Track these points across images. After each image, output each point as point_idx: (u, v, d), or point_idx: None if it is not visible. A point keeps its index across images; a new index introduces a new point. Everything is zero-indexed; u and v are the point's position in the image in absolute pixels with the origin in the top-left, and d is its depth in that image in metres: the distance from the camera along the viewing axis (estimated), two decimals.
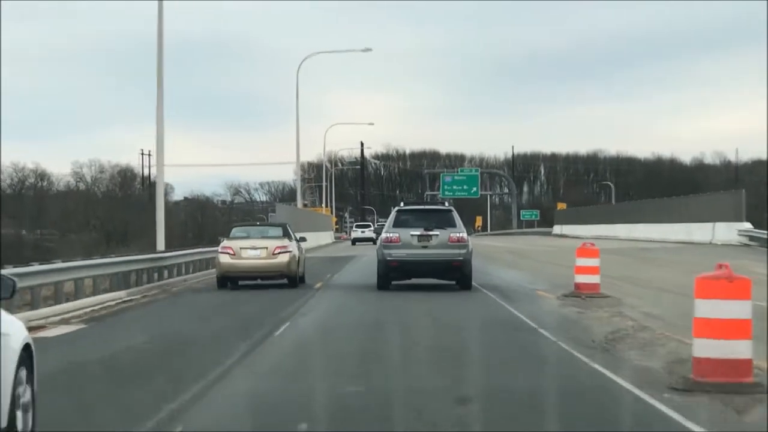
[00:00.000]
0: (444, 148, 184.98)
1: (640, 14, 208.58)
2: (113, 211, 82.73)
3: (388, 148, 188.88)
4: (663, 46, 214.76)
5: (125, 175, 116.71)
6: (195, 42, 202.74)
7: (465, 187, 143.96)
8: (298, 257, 29.45)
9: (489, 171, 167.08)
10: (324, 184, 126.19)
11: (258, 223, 33.46)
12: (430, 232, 26.49)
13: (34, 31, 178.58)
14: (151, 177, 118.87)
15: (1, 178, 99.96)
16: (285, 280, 28.83)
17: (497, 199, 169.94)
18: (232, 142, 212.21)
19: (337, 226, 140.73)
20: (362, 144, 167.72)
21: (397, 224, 26.74)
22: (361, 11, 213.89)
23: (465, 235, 26.72)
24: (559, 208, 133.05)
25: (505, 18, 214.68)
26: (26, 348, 7.81)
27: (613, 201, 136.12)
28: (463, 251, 26.17)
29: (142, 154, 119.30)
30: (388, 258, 26.38)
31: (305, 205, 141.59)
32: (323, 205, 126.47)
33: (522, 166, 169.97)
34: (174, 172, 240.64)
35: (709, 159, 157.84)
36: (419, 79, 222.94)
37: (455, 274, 26.26)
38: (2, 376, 7.18)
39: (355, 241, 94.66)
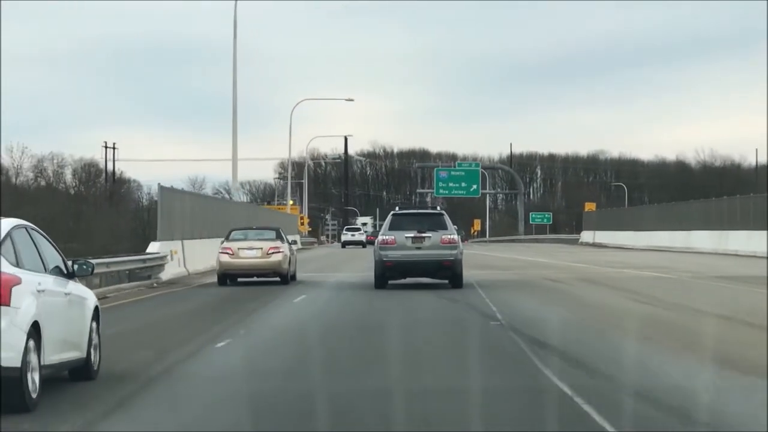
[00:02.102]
0: (434, 147, 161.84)
1: (636, 16, 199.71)
2: (29, 207, 73.56)
3: (375, 146, 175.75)
4: (667, 48, 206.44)
5: (89, 171, 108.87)
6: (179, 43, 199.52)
7: (463, 184, 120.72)
8: (289, 257, 32.32)
9: (492, 166, 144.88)
10: (290, 177, 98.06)
11: (254, 227, 36.31)
12: (424, 234, 28.15)
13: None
14: (116, 171, 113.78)
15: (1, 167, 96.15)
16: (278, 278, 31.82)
17: (491, 201, 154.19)
18: (206, 137, 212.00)
19: (310, 228, 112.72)
20: (346, 139, 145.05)
21: (393, 227, 28.52)
22: (349, 12, 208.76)
23: (456, 236, 28.49)
24: (587, 209, 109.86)
25: (503, 19, 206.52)
26: (95, 309, 12.32)
27: (626, 204, 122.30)
28: (455, 252, 27.94)
29: (106, 147, 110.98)
30: (385, 259, 28.03)
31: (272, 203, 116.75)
32: (292, 202, 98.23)
33: (518, 167, 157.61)
34: (150, 171, 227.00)
35: (716, 162, 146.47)
36: (407, 82, 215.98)
37: (447, 273, 28.01)
38: (84, 326, 11.80)
39: (345, 244, 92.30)
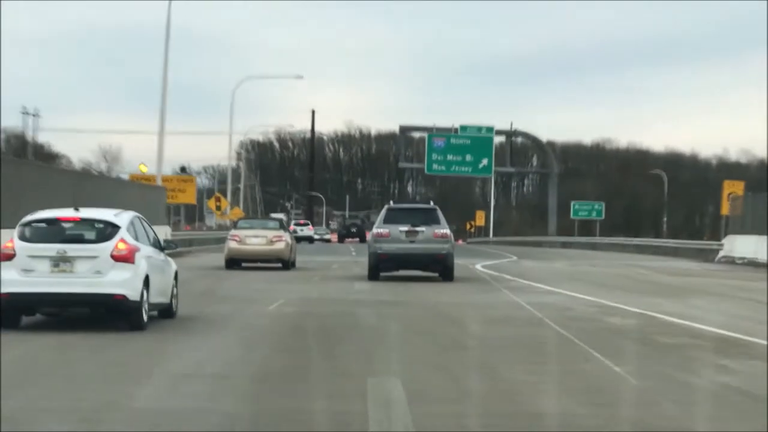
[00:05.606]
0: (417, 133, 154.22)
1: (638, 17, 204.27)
2: None
3: (350, 127, 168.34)
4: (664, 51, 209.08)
5: (9, 143, 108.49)
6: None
7: (469, 158, 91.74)
8: (291, 245, 39.00)
9: (511, 132, 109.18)
10: (162, 136, 61.37)
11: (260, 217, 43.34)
12: (417, 228, 31.92)
13: None
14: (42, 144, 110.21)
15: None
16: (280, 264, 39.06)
17: (479, 187, 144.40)
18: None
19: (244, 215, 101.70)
20: (313, 112, 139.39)
21: (387, 221, 32.34)
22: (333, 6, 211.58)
23: (448, 231, 32.37)
24: (728, 191, 65.09)
25: (493, 14, 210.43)
26: (176, 272, 20.11)
27: (665, 197, 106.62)
28: (447, 246, 31.99)
29: (26, 113, 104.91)
30: (379, 251, 32.01)
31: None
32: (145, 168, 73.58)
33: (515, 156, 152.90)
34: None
35: (734, 156, 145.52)
36: (389, 75, 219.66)
37: (438, 266, 32.11)
38: (170, 282, 19.29)
39: (298, 240, 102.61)
